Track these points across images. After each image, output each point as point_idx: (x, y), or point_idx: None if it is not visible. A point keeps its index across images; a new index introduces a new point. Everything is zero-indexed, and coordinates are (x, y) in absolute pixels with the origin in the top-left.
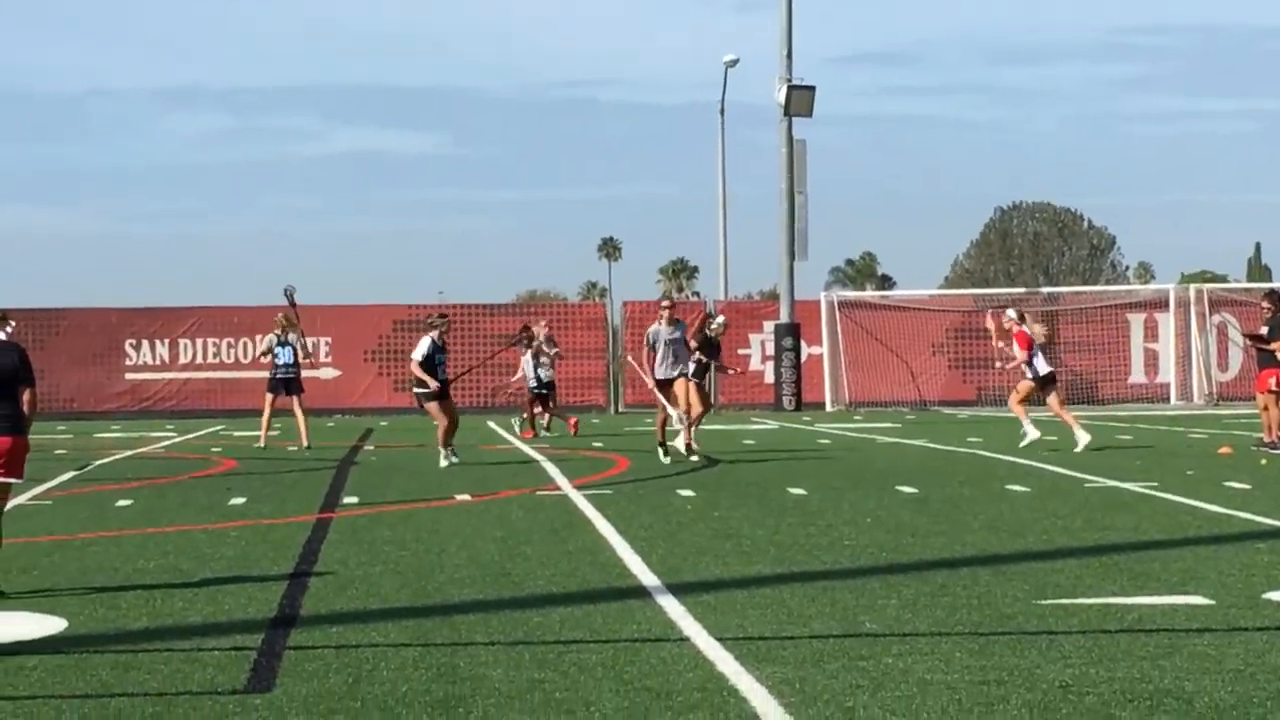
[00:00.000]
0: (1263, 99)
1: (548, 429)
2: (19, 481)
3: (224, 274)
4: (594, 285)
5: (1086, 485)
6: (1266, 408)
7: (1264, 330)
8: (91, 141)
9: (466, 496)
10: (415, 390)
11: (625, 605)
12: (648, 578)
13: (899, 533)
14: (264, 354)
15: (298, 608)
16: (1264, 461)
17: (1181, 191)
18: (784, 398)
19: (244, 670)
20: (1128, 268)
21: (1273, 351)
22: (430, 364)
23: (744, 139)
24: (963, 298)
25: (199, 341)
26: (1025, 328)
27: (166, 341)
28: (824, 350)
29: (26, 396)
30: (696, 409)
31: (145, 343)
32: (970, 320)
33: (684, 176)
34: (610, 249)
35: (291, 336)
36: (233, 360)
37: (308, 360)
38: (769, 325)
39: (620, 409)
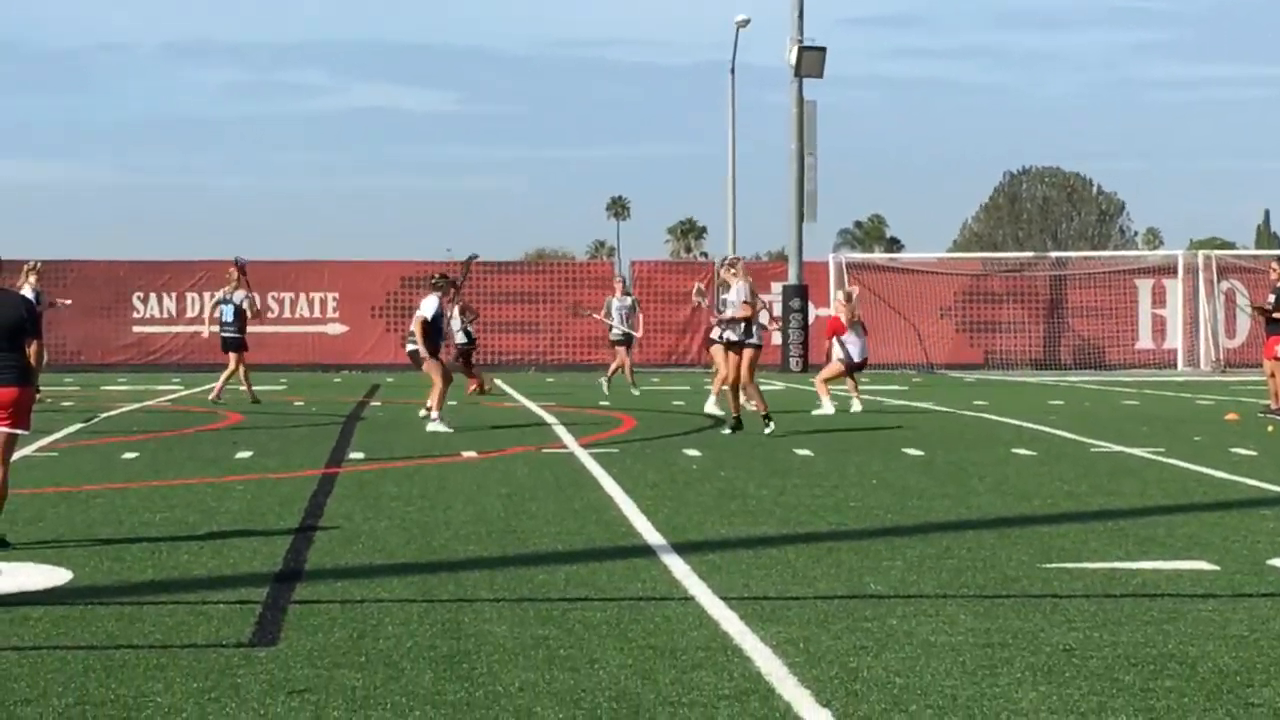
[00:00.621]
0: (1274, 66)
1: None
2: (26, 433)
3: (233, 229)
4: (602, 244)
5: (1092, 450)
6: (1274, 374)
7: (1271, 298)
8: (97, 93)
9: (473, 453)
10: (410, 349)
11: (630, 564)
12: (653, 536)
13: (904, 495)
14: (213, 312)
15: (303, 562)
16: (1270, 428)
17: (1191, 158)
18: (791, 359)
19: (249, 623)
20: (1136, 233)
21: None
22: (435, 325)
23: (754, 100)
24: (971, 261)
25: (206, 295)
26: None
27: (174, 295)
28: (831, 312)
29: (33, 348)
30: (730, 378)
31: (153, 296)
32: (978, 284)
33: (693, 137)
34: (619, 208)
35: (238, 295)
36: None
37: (255, 318)
38: (777, 286)
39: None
